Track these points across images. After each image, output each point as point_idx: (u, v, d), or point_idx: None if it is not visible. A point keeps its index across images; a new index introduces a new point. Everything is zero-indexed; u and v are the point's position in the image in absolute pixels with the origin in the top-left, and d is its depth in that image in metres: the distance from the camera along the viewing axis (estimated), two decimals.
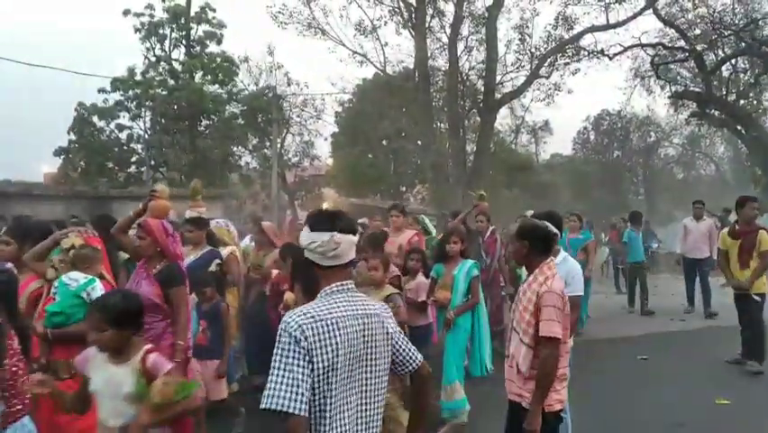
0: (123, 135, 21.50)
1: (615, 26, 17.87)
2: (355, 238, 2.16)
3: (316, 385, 1.92)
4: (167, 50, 21.79)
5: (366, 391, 2.05)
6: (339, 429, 1.96)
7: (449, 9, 18.40)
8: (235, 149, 23.24)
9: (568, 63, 18.57)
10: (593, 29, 17.98)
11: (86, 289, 3.24)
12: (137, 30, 21.24)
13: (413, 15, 18.28)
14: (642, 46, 18.66)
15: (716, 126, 23.22)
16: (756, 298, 6.19)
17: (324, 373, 1.92)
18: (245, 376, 5.58)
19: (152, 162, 21.58)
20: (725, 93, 19.91)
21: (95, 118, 20.92)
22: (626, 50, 18.50)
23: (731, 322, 6.75)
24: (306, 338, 1.90)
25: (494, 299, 6.83)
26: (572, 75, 18.89)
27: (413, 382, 2.28)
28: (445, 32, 18.65)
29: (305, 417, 1.89)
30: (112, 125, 21.27)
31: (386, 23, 18.87)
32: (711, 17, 17.60)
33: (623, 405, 5.36)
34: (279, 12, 18.81)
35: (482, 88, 18.63)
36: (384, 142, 25.91)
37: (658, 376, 6.25)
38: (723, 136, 31.88)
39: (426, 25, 18.36)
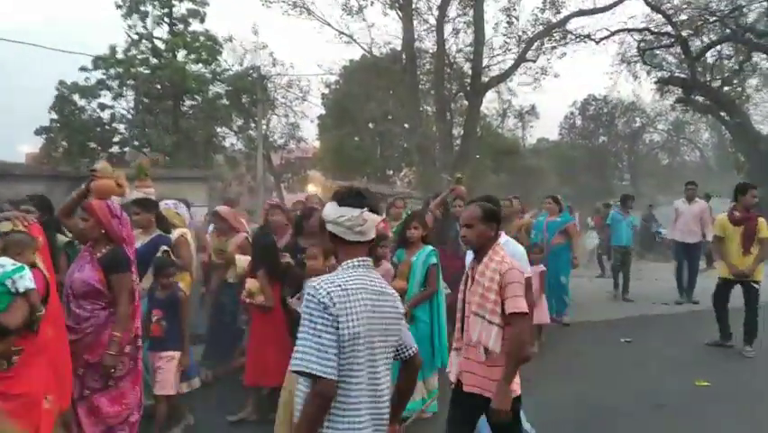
0: (106, 115, 21.13)
1: (602, 10, 17.83)
2: (379, 218, 2.26)
3: (343, 353, 1.98)
4: (149, 27, 21.35)
5: (379, 367, 2.10)
6: (361, 399, 2.03)
7: None
8: (220, 130, 22.95)
9: (555, 47, 18.53)
10: (580, 13, 17.92)
11: (11, 276, 2.89)
12: (118, 6, 20.77)
13: None
14: (628, 31, 18.65)
15: (700, 112, 23.40)
16: (755, 285, 6.31)
17: (349, 341, 1.99)
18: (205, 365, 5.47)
19: (135, 143, 21.26)
20: (709, 79, 20.05)
21: (76, 97, 20.51)
22: (612, 34, 18.49)
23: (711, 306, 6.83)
24: (334, 305, 1.98)
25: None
26: (559, 59, 18.88)
27: (405, 369, 2.34)
28: (433, 14, 18.48)
29: (334, 381, 1.96)
30: (94, 104, 20.87)
31: (372, 3, 18.60)
32: (697, 3, 17.63)
33: (603, 387, 5.42)
34: None
35: (469, 71, 18.53)
36: (371, 125, 25.76)
37: (639, 359, 6.35)
38: (707, 122, 32.20)
39: (413, 6, 18.17)
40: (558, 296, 7.74)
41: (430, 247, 4.76)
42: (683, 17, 17.93)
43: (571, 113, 41.60)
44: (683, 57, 19.40)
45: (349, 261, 2.14)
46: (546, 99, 55.20)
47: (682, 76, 20.46)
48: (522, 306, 2.85)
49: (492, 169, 27.68)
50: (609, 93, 29.39)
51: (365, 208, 2.14)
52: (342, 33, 19.01)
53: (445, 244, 6.13)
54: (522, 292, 2.89)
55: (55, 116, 20.46)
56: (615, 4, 17.69)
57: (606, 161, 39.90)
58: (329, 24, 18.94)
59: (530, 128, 37.62)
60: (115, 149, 21.64)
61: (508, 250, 3.51)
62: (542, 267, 6.64)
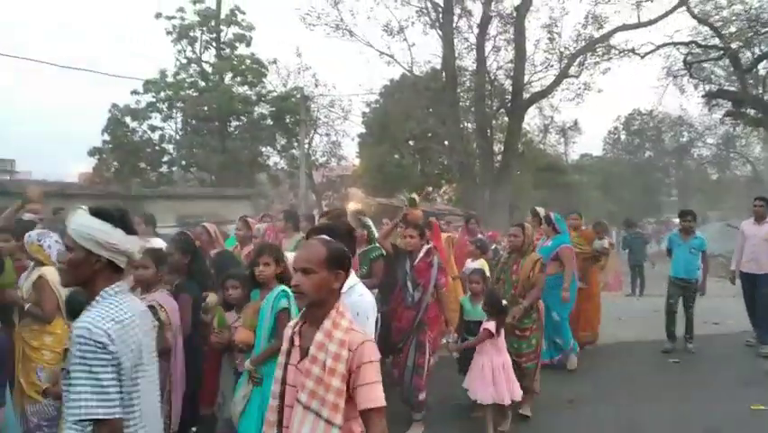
0: (155, 136, 21.95)
1: (646, 24, 17.60)
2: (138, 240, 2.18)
3: (124, 386, 1.94)
4: (197, 52, 22.19)
5: (153, 378, 2.15)
6: (142, 419, 2.03)
7: (477, 9, 18.34)
8: (264, 149, 23.52)
9: (598, 62, 18.33)
10: (624, 27, 17.74)
11: None
12: (169, 32, 21.68)
13: (440, 15, 18.27)
14: (674, 44, 18.32)
15: (751, 126, 22.60)
16: None
17: (131, 373, 1.96)
18: None
19: (183, 163, 21.98)
20: (761, 92, 19.40)
21: (127, 119, 21.40)
22: (657, 48, 18.20)
23: None
24: (113, 342, 1.89)
25: (419, 347, 4.72)
26: (602, 74, 18.65)
27: None
28: (473, 32, 18.59)
29: (121, 419, 1.92)
30: (144, 126, 21.73)
31: (413, 23, 18.86)
32: (747, 14, 17.17)
33: (650, 410, 5.27)
34: (307, 14, 18.99)
35: (510, 88, 18.51)
36: (411, 143, 25.89)
37: (689, 380, 6.13)
38: (759, 136, 31.01)
39: (454, 25, 18.34)
40: (550, 338, 6.30)
41: (281, 287, 3.58)
42: (732, 29, 17.50)
43: (615, 128, 40.89)
44: (733, 69, 18.90)
45: (110, 288, 2.02)
46: (589, 115, 54.32)
47: (732, 89, 19.89)
48: (380, 397, 2.03)
49: (533, 185, 27.35)
50: (655, 107, 28.75)
51: (134, 235, 2.10)
52: (383, 53, 19.31)
53: (393, 291, 4.87)
54: (379, 377, 2.05)
55: (107, 138, 21.38)
56: (660, 18, 17.45)
57: (652, 177, 38.90)
58: (370, 45, 19.28)
59: (573, 144, 37.06)
60: (164, 168, 22.42)
61: (348, 300, 2.56)
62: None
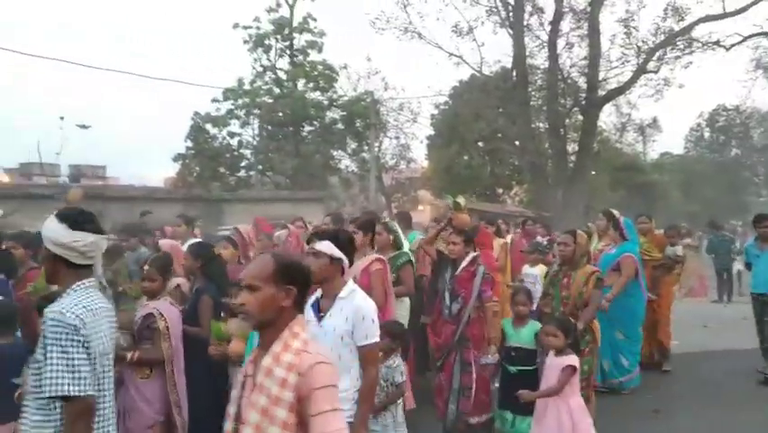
0: (234, 142, 22.88)
1: (732, 14, 16.67)
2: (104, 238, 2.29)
3: (93, 370, 2.04)
4: (272, 59, 22.96)
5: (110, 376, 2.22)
6: (107, 412, 2.15)
7: (548, 5, 17.98)
8: (335, 153, 24.01)
9: (679, 56, 17.55)
10: (707, 18, 16.87)
11: None
12: (245, 42, 22.55)
13: (510, 14, 18.06)
14: (764, 34, 17.23)
15: None
16: None
17: (97, 359, 2.07)
18: None
19: (259, 167, 22.80)
20: None
21: (208, 126, 22.43)
22: (745, 39, 17.20)
23: None
24: (84, 326, 2.00)
25: (464, 367, 4.40)
26: (684, 68, 17.81)
27: None
28: (544, 29, 18.26)
29: (93, 396, 2.02)
30: (224, 132, 22.69)
31: (483, 23, 18.74)
32: None
33: (743, 419, 5.04)
34: (377, 18, 19.27)
35: (584, 85, 18.03)
36: (480, 144, 25.70)
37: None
38: None
39: (525, 23, 18.07)
40: (613, 357, 5.62)
41: None
42: None
43: (698, 125, 38.89)
44: None
45: (80, 282, 2.14)
46: (670, 111, 51.84)
47: None
48: (341, 429, 1.76)
49: (610, 186, 26.45)
50: (742, 102, 27.11)
51: (99, 234, 2.21)
52: (453, 55, 19.29)
53: (434, 302, 4.66)
54: (338, 404, 1.77)
55: (190, 144, 22.49)
56: (748, 7, 16.48)
57: (738, 176, 36.63)
58: (440, 47, 19.33)
59: (652, 142, 35.56)
60: (242, 173, 23.35)
61: (350, 307, 2.68)
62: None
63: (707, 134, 39.23)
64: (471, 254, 4.58)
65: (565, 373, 3.66)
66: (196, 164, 22.44)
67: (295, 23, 22.59)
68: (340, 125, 23.22)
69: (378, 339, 2.70)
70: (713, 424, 4.91)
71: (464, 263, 4.50)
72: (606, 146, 25.16)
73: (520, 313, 4.38)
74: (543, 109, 19.46)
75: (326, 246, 2.74)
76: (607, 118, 24.79)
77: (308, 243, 2.92)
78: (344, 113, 22.92)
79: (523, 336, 4.27)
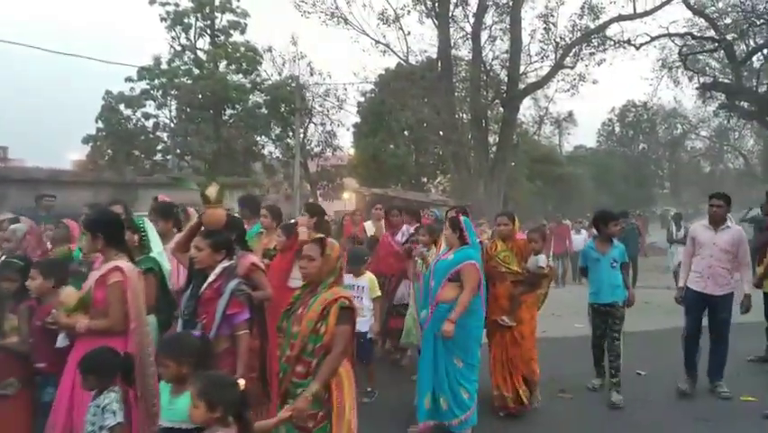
0: (149, 124, 21.84)
1: (642, 15, 17.57)
2: None
3: None
4: (192, 39, 22.03)
5: None
6: None
7: None
8: (258, 138, 23.45)
9: (593, 53, 18.32)
10: (620, 18, 17.70)
11: None
12: (163, 19, 21.51)
13: (436, 4, 18.19)
14: (670, 36, 18.32)
15: (745, 118, 22.72)
16: None
17: None
18: None
19: (177, 151, 21.90)
20: (755, 84, 19.47)
21: (121, 107, 21.27)
22: (653, 39, 18.18)
23: (758, 318, 6.50)
24: None
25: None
26: (598, 65, 18.63)
27: None
28: (469, 22, 18.52)
29: None
30: (138, 114, 21.61)
31: (409, 12, 18.76)
32: (742, 6, 17.20)
33: (638, 398, 5.29)
34: (303, 1, 18.86)
35: (506, 78, 18.50)
36: (406, 133, 25.88)
37: (677, 371, 6.04)
38: (753, 129, 31.19)
39: (450, 14, 18.26)
40: (452, 390, 4.36)
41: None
42: (728, 21, 17.53)
43: (610, 120, 41.06)
44: (727, 61, 18.93)
45: None
46: (584, 106, 54.42)
47: (726, 81, 19.95)
48: None
49: (528, 176, 27.44)
50: (649, 99, 28.86)
51: None
52: (379, 42, 19.22)
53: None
54: None
55: (101, 125, 21.26)
56: (656, 9, 17.43)
57: (645, 169, 39.11)
58: (366, 34, 19.17)
59: (567, 135, 37.28)
60: (158, 157, 22.34)
61: None
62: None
63: (617, 129, 41.49)
64: (222, 264, 3.41)
65: None
66: (108, 146, 21.25)
67: (217, 2, 21.78)
68: (263, 110, 22.69)
69: None
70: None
71: (211, 277, 3.37)
72: (525, 138, 26.05)
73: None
74: (466, 100, 19.80)
75: None
76: (526, 111, 25.66)
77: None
78: (268, 97, 22.41)
79: (178, 408, 2.63)
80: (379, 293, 5.18)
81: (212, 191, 3.57)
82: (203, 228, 3.58)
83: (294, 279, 4.39)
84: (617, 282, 5.29)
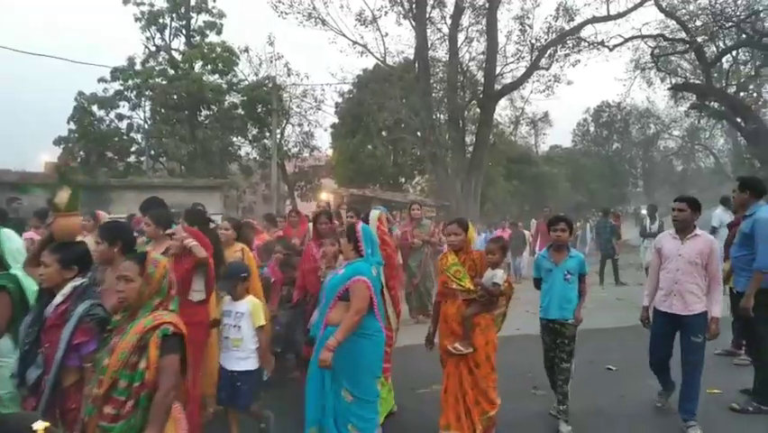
0: (123, 125, 21.51)
1: (616, 17, 17.91)
2: None
3: None
4: (167, 39, 21.77)
5: None
6: None
7: None
8: (235, 139, 23.23)
9: (568, 54, 18.63)
10: (594, 20, 18.01)
11: None
12: (137, 19, 21.21)
13: (413, 5, 18.28)
14: (642, 37, 18.69)
15: (715, 118, 23.26)
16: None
17: None
18: None
19: (152, 152, 21.60)
20: (725, 85, 19.94)
21: (94, 108, 20.90)
22: (626, 41, 18.54)
23: (723, 313, 6.65)
24: None
25: None
26: (572, 66, 18.96)
27: None
28: (446, 23, 18.69)
29: None
30: (111, 115, 21.27)
31: (386, 13, 18.86)
32: (712, 9, 17.62)
33: (605, 394, 5.42)
34: (280, 1, 18.78)
35: (482, 79, 18.66)
36: (384, 133, 25.90)
37: (640, 362, 6.09)
38: (723, 128, 31.93)
39: (427, 16, 18.37)
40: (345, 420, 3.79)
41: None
42: (698, 23, 17.94)
43: (585, 120, 41.63)
44: (698, 63, 19.36)
45: None
46: (560, 107, 55.13)
47: (697, 82, 20.40)
48: None
49: (505, 176, 27.66)
50: (623, 100, 29.35)
51: None
52: (356, 43, 19.24)
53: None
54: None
55: (73, 127, 20.86)
56: (629, 11, 17.78)
57: (619, 168, 39.72)
58: (343, 35, 19.22)
59: (543, 135, 37.65)
60: (132, 158, 22.01)
61: None
62: None
63: (592, 129, 42.08)
64: (72, 283, 2.93)
65: None
66: (81, 148, 20.86)
67: (192, 2, 21.56)
68: (240, 111, 22.50)
69: None
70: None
71: (57, 299, 2.89)
72: (501, 139, 26.26)
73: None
74: (443, 101, 19.93)
75: None
76: (502, 111, 25.87)
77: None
78: (245, 98, 22.23)
79: None
80: (263, 322, 4.07)
81: (63, 198, 3.13)
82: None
83: (195, 291, 4.03)
84: (570, 297, 4.57)
